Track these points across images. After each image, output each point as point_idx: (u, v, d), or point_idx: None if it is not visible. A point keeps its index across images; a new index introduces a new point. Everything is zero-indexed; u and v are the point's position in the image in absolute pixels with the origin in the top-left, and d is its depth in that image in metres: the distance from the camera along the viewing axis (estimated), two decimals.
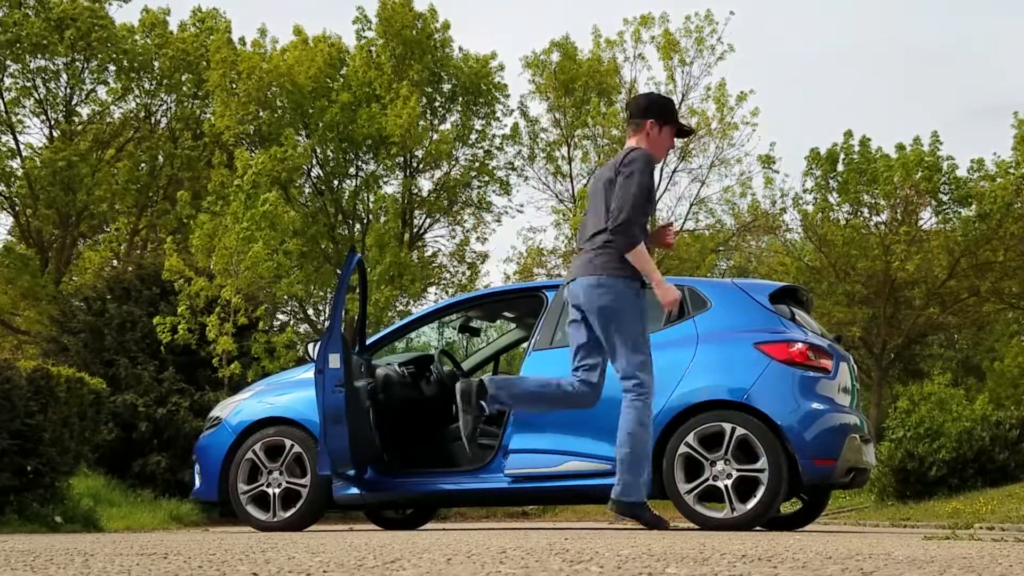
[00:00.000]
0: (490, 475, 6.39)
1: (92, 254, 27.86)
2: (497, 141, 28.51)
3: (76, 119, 26.45)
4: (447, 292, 28.38)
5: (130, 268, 21.70)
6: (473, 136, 28.13)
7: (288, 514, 6.66)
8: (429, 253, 29.46)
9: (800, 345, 6.09)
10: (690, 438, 5.96)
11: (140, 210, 27.09)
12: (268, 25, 42.18)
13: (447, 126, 28.02)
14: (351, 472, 6.43)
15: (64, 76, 25.47)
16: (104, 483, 13.60)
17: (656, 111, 5.68)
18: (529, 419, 6.30)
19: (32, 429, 8.59)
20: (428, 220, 29.15)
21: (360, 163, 27.31)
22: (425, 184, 28.57)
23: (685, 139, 6.26)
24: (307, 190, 28.07)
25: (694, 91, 27.57)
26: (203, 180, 25.01)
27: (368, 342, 7.04)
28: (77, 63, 25.34)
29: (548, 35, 59.35)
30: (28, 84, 25.19)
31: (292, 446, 6.71)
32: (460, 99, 27.96)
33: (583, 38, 54.86)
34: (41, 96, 25.52)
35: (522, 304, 7.46)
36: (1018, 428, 15.36)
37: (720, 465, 5.92)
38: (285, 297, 25.91)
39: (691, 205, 28.36)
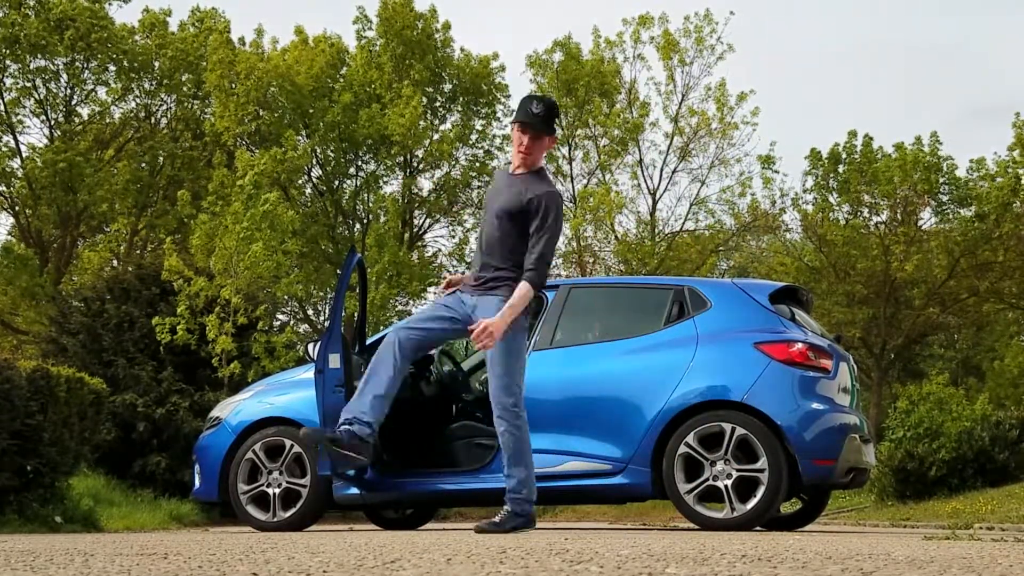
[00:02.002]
0: (490, 475, 6.38)
1: (92, 254, 27.86)
2: (497, 141, 28.52)
3: (76, 119, 26.46)
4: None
5: (130, 268, 21.69)
6: (473, 136, 28.14)
7: (288, 514, 6.65)
8: (429, 253, 29.47)
9: (800, 345, 6.09)
10: (690, 438, 5.96)
11: (140, 210, 27.08)
12: (268, 25, 42.26)
13: (448, 126, 28.04)
14: (351, 472, 6.43)
15: (64, 76, 25.47)
16: (104, 483, 13.59)
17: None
18: (529, 419, 6.30)
19: (32, 429, 8.57)
20: (428, 220, 29.16)
21: (360, 163, 27.32)
22: (425, 184, 28.60)
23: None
24: (307, 190, 28.08)
25: (694, 91, 27.59)
26: (203, 180, 25.02)
27: (368, 342, 7.03)
28: (77, 63, 25.34)
29: (548, 36, 59.39)
30: (28, 84, 25.20)
31: (292, 446, 6.70)
32: (461, 99, 27.97)
33: (584, 38, 54.88)
34: (41, 96, 25.52)
35: None
36: (1018, 428, 15.36)
37: (720, 465, 5.92)
38: (285, 297, 25.92)
39: (691, 205, 28.37)
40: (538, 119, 5.28)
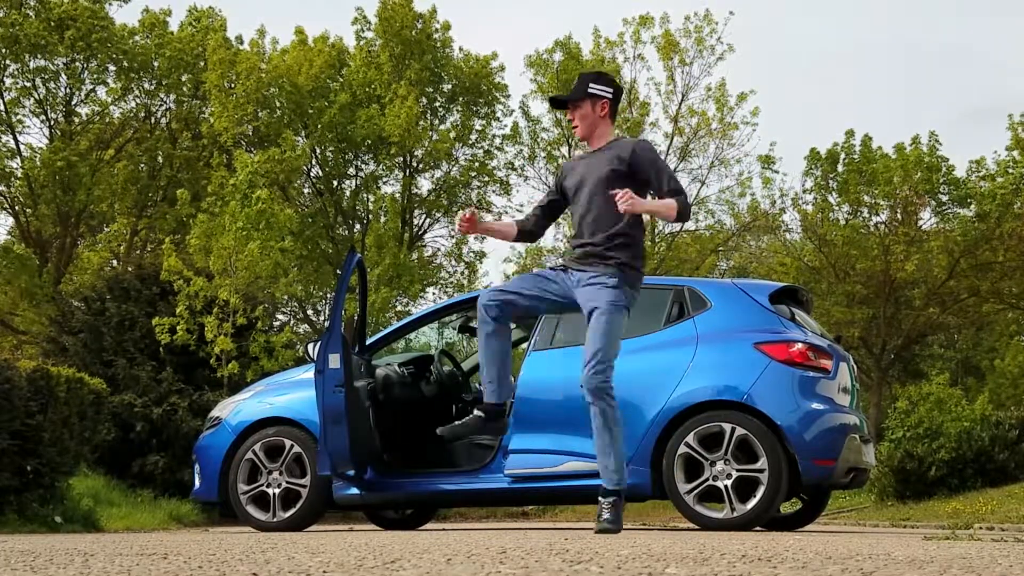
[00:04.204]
0: (490, 475, 6.39)
1: (91, 254, 27.87)
2: (497, 141, 28.51)
3: (76, 119, 26.45)
4: (446, 292, 28.39)
5: (129, 268, 21.69)
6: (473, 136, 28.14)
7: (288, 514, 6.65)
8: (429, 253, 29.47)
9: (800, 345, 6.09)
10: (690, 438, 5.96)
11: (140, 211, 27.09)
12: (268, 25, 42.24)
13: (447, 126, 28.03)
14: (351, 472, 6.43)
15: (64, 76, 25.47)
16: (104, 483, 13.58)
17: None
18: (529, 419, 6.31)
19: (32, 429, 8.57)
20: (428, 220, 29.17)
21: (360, 163, 27.32)
22: (425, 184, 28.60)
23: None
24: (307, 191, 28.07)
25: (694, 91, 27.61)
26: (202, 181, 25.04)
27: (368, 342, 7.03)
28: (77, 63, 25.35)
29: (548, 35, 59.43)
30: (28, 84, 25.19)
31: (292, 446, 6.70)
32: (460, 99, 27.96)
33: (584, 38, 54.90)
34: (41, 96, 25.52)
35: None
36: (1018, 428, 15.36)
37: (720, 465, 5.92)
38: (284, 297, 25.92)
39: (691, 205, 28.36)
40: (568, 95, 5.38)
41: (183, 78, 26.83)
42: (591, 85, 5.35)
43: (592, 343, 5.08)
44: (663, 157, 28.41)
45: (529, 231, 5.59)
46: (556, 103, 5.54)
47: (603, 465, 5.14)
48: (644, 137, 27.68)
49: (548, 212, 5.56)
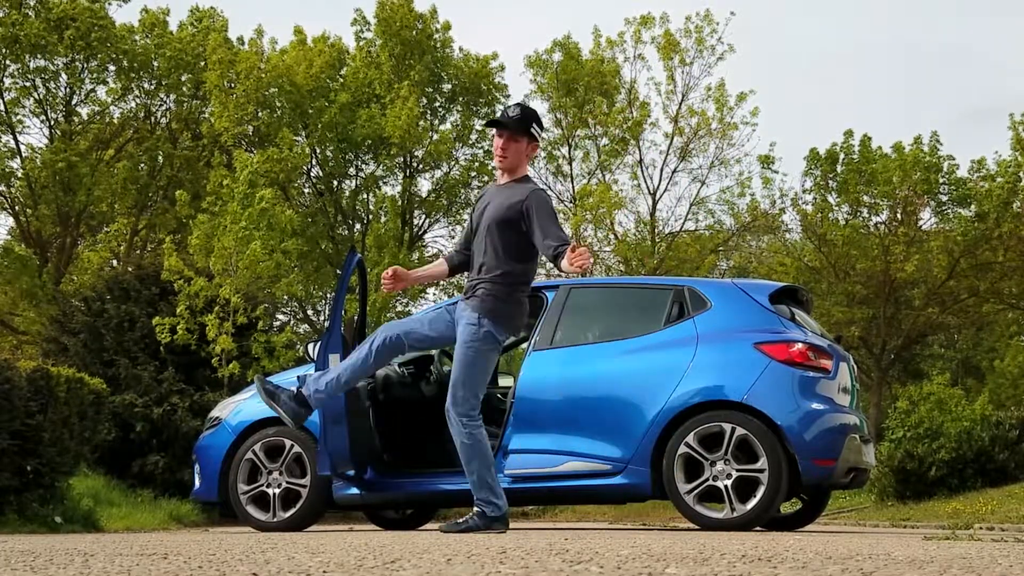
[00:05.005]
0: None
1: (92, 254, 27.86)
2: None
3: (76, 119, 26.45)
4: (446, 292, 28.38)
5: (130, 268, 21.67)
6: (473, 136, 28.13)
7: (288, 514, 6.65)
8: (430, 253, 29.48)
9: (800, 345, 6.09)
10: (690, 438, 5.96)
11: (139, 210, 27.08)
12: (268, 26, 42.26)
13: (447, 126, 28.03)
14: (351, 472, 6.43)
15: (64, 76, 25.46)
16: (104, 483, 13.57)
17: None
18: (529, 419, 6.30)
19: (32, 429, 8.57)
20: (428, 220, 29.16)
21: (360, 163, 27.32)
22: (425, 184, 28.59)
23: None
24: (307, 190, 28.07)
25: (694, 91, 27.58)
26: (202, 181, 25.05)
27: None
28: (77, 63, 25.34)
29: (548, 35, 59.39)
30: (28, 84, 25.19)
31: (292, 446, 6.70)
32: (460, 99, 27.97)
33: (584, 38, 54.94)
34: (41, 96, 25.51)
35: None
36: (1018, 428, 15.37)
37: (720, 465, 5.92)
38: (285, 297, 25.92)
39: (691, 205, 28.37)
40: (512, 121, 5.30)
41: (183, 78, 26.81)
42: (535, 126, 5.36)
43: (452, 373, 5.28)
44: (664, 157, 28.35)
45: (459, 264, 5.60)
46: (495, 124, 5.40)
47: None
48: (644, 137, 27.71)
49: (468, 245, 5.52)
